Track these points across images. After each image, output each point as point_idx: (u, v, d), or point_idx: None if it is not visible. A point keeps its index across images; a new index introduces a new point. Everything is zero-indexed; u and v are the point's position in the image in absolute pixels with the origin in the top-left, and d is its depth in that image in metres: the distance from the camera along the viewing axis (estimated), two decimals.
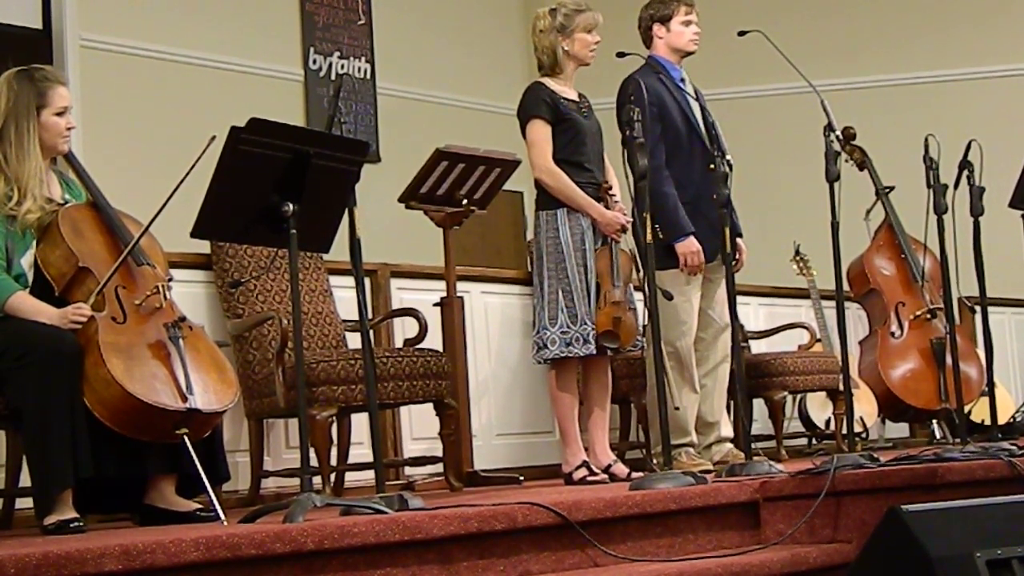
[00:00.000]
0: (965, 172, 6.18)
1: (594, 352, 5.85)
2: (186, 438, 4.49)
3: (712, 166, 5.87)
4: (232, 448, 5.68)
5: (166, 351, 4.64)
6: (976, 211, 6.20)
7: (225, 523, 4.30)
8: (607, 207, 5.92)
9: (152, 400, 4.48)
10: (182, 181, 4.43)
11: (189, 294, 5.75)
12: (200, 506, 4.72)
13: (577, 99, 6.08)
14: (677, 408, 6.06)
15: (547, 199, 5.96)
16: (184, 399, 4.53)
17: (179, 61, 9.71)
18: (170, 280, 4.92)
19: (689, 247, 6.16)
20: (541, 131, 5.95)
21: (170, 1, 9.77)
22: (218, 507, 4.43)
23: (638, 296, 6.02)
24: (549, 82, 6.04)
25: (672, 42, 6.44)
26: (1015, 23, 11.95)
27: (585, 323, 5.82)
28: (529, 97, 6.01)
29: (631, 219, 5.77)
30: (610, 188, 5.98)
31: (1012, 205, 7.84)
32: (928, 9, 12.07)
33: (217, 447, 4.85)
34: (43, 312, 4.63)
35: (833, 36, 11.98)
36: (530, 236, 8.63)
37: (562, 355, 5.86)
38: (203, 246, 5.83)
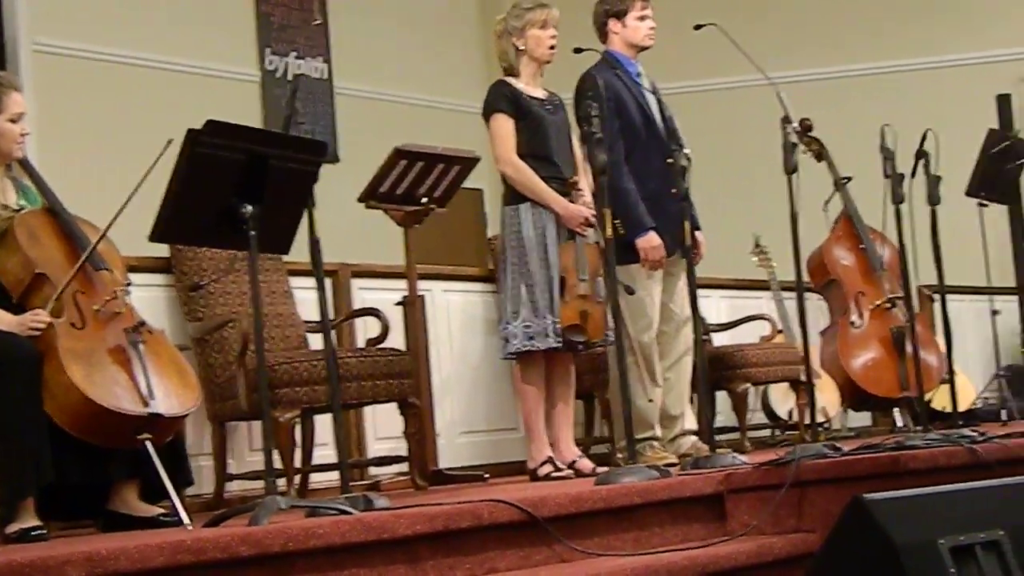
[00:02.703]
0: (922, 161, 6.22)
1: (556, 345, 5.86)
2: (148, 443, 4.47)
3: (670, 160, 5.88)
4: (195, 452, 5.65)
5: (126, 356, 4.62)
6: (933, 200, 6.24)
7: (189, 527, 4.28)
8: (572, 201, 5.93)
9: (113, 406, 4.46)
10: (139, 185, 4.41)
11: (148, 298, 5.72)
12: (164, 511, 4.69)
13: (543, 96, 6.08)
14: (651, 400, 6.08)
15: (512, 194, 5.98)
16: (145, 404, 4.51)
17: (134, 64, 9.65)
18: (129, 285, 4.90)
19: (650, 242, 6.17)
20: (504, 125, 5.96)
21: (123, 4, 9.72)
22: (182, 512, 4.41)
23: None
24: (512, 80, 6.06)
25: (628, 37, 6.44)
26: (970, 13, 12.03)
27: (546, 317, 5.83)
28: (491, 93, 6.05)
29: (596, 213, 5.79)
30: (576, 183, 5.98)
31: (969, 193, 7.91)
32: (884, 0, 12.13)
33: (180, 451, 4.83)
34: (0, 319, 4.59)
35: (789, 29, 12.03)
36: (491, 233, 8.64)
37: (524, 349, 5.87)
38: (162, 250, 5.80)
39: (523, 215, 5.93)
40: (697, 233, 6.30)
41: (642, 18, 6.44)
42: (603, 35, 6.51)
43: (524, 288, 5.88)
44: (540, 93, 6.10)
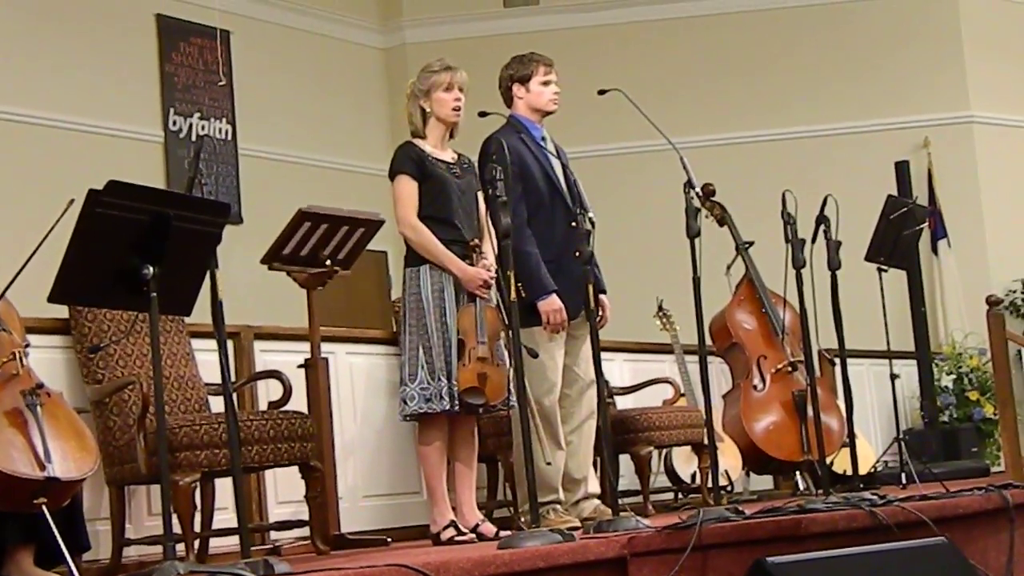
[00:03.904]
0: (822, 227, 6.30)
1: (450, 408, 5.84)
2: (45, 507, 4.39)
3: (574, 223, 5.91)
4: (92, 516, 5.57)
5: (23, 419, 4.54)
6: (833, 265, 6.32)
7: None
8: (473, 264, 5.93)
9: (9, 469, 4.38)
10: (39, 245, 4.36)
11: (47, 360, 5.64)
12: None
13: (450, 159, 6.10)
14: (549, 463, 6.07)
15: (412, 256, 5.99)
16: (42, 467, 4.43)
17: (36, 123, 9.57)
18: (27, 346, 4.83)
19: (551, 305, 6.19)
20: (406, 187, 5.97)
21: (26, 62, 9.65)
22: None
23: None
24: (419, 142, 6.07)
25: (532, 102, 6.48)
26: (869, 81, 12.25)
27: (441, 379, 5.83)
28: (397, 155, 6.06)
29: (495, 275, 5.80)
30: (478, 246, 5.99)
31: (868, 258, 8.03)
32: (784, 69, 12.33)
33: (77, 516, 4.76)
34: None
35: (691, 94, 12.18)
36: (395, 295, 8.63)
37: (421, 411, 5.86)
38: (61, 311, 5.73)
39: (422, 277, 5.93)
40: (602, 296, 6.33)
41: (546, 83, 6.49)
42: (508, 99, 6.55)
43: (422, 350, 5.88)
44: (448, 156, 6.11)
